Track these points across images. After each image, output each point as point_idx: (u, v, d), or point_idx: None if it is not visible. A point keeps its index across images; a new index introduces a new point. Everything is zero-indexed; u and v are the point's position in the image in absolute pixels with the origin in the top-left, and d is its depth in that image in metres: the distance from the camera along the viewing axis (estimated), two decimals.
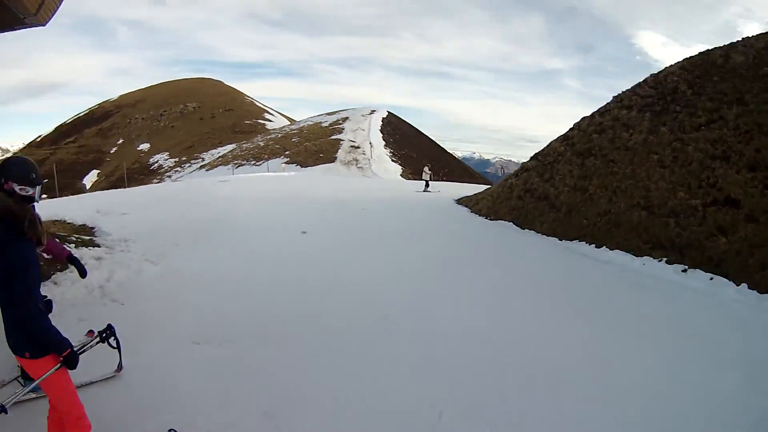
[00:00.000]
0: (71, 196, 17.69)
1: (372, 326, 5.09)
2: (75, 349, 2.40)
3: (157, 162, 61.59)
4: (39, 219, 2.31)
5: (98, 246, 7.20)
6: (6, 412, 2.26)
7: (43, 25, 5.82)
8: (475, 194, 15.79)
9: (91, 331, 3.52)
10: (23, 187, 2.41)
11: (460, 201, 15.69)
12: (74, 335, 3.17)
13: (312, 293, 6.07)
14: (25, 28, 5.77)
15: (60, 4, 5.87)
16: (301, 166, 39.16)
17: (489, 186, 17.33)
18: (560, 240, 10.15)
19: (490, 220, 12.46)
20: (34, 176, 2.48)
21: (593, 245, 9.36)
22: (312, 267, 7.35)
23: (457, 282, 6.94)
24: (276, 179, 23.43)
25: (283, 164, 38.51)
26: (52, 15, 5.81)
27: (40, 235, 2.28)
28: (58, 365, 2.33)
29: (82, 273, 3.59)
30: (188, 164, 56.61)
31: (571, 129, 13.24)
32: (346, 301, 5.79)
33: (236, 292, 5.97)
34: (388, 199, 16.32)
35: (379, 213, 12.96)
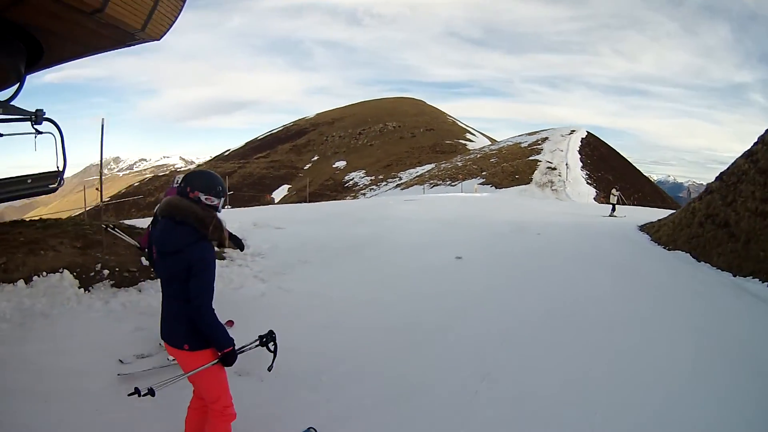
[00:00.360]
0: (248, 208, 21.21)
1: (462, 390, 4.45)
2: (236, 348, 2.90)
3: (352, 179, 68.56)
4: (223, 224, 2.90)
5: (221, 258, 8.07)
6: (153, 395, 2.69)
7: (157, 40, 6.63)
8: (658, 220, 15.68)
9: (230, 321, 5.34)
10: (209, 197, 2.88)
11: (643, 227, 15.77)
12: (133, 341, 4.84)
13: (419, 330, 5.79)
14: (139, 43, 6.64)
15: (175, 20, 6.62)
16: (496, 187, 42.10)
17: (674, 211, 17.46)
18: (734, 275, 9.44)
19: (668, 249, 12.30)
20: (220, 189, 2.94)
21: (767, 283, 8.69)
22: (436, 298, 7.09)
23: (606, 345, 5.60)
24: (462, 200, 25.44)
25: (477, 185, 41.83)
26: (166, 30, 6.58)
27: (224, 239, 2.88)
28: (216, 360, 2.84)
29: (241, 247, 5.37)
30: (384, 183, 62.03)
31: (755, 143, 12.54)
32: (443, 357, 5.13)
33: (331, 320, 6.07)
34: (568, 224, 16.82)
35: (552, 238, 13.08)
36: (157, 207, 3.01)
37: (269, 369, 3.16)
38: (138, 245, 6.28)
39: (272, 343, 3.16)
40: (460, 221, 15.87)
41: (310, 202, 53.84)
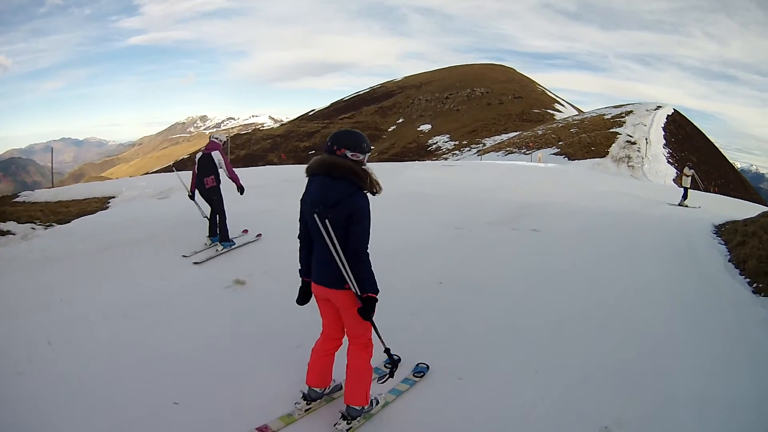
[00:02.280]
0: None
1: None
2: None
3: (435, 143, 68.78)
4: (375, 177, 3.22)
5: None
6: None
7: None
8: (744, 223, 10.77)
9: (245, 230, 8.03)
10: (354, 153, 3.17)
11: (721, 230, 10.69)
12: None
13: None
14: None
15: None
16: (569, 159, 40.08)
17: (766, 209, 13.51)
18: None
19: (759, 294, 6.52)
20: (365, 145, 3.22)
21: None
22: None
23: None
24: (511, 169, 22.88)
25: (540, 154, 39.49)
26: None
27: (378, 190, 3.20)
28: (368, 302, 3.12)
29: (240, 191, 7.48)
30: (468, 148, 61.74)
31: None
32: None
33: None
34: (609, 214, 12.41)
35: (552, 249, 8.28)
36: (307, 167, 3.30)
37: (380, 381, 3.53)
38: (188, 190, 7.60)
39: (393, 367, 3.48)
40: (466, 196, 13.27)
41: (390, 161, 55.81)
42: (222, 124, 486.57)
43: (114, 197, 11.77)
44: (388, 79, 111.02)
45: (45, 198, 11.75)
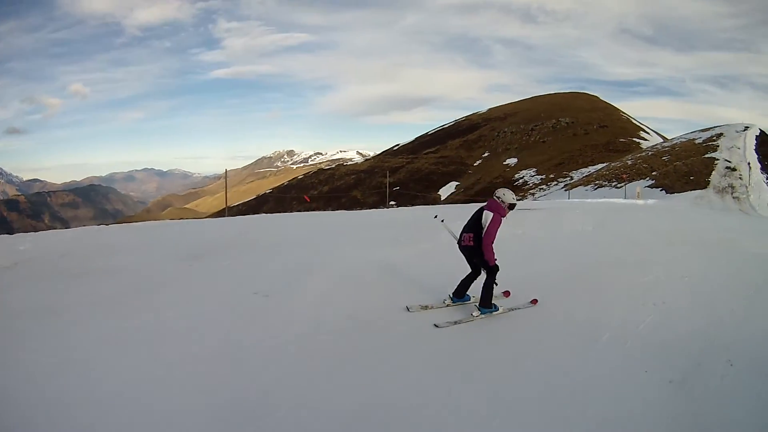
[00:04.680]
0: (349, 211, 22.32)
1: None
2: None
3: (522, 177, 67.74)
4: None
5: None
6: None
7: None
8: None
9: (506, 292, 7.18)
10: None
11: None
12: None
13: None
14: None
15: None
16: (667, 191, 37.76)
17: None
18: None
19: None
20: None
21: None
22: None
23: None
24: (614, 211, 18.54)
25: (639, 188, 36.04)
26: None
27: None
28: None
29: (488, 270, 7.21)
30: (555, 182, 60.81)
31: None
32: None
33: None
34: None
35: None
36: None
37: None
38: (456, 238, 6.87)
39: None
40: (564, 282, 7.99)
41: (475, 201, 55.14)
42: (309, 159, 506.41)
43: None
44: (473, 112, 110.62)
45: None
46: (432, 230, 9.30)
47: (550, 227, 13.47)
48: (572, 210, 18.05)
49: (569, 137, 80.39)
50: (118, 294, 6.76)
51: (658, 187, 39.44)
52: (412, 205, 57.70)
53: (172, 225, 16.26)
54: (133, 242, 11.22)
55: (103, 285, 7.19)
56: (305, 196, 56.74)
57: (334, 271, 7.88)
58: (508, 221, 6.68)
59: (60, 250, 9.72)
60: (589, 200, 29.75)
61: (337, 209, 52.56)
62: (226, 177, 26.30)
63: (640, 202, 27.42)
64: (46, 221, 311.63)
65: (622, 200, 29.34)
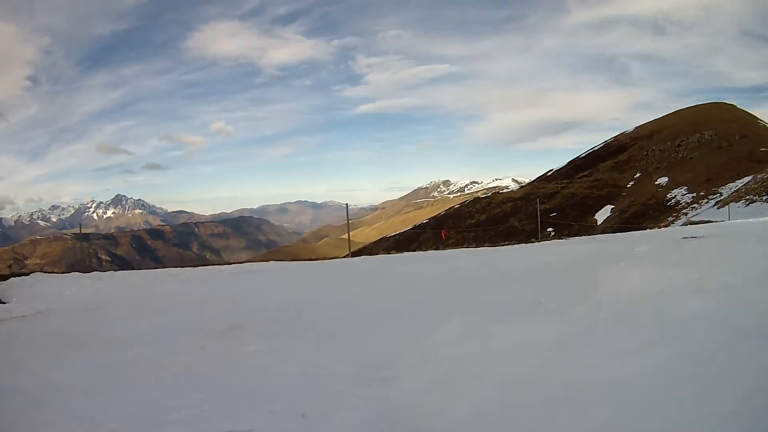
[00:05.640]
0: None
1: None
2: None
3: (674, 197, 66.48)
4: None
5: None
6: None
7: None
8: None
9: None
10: None
11: None
12: None
13: None
14: None
15: None
16: None
17: None
18: None
19: None
20: None
21: None
22: None
23: None
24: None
25: None
26: None
27: None
28: None
29: None
30: (705, 200, 59.12)
31: None
32: None
33: None
34: None
35: None
36: None
37: None
38: None
39: None
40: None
41: (630, 225, 52.38)
42: (465, 189, 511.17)
43: None
44: (620, 132, 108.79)
45: None
46: (594, 281, 7.18)
47: None
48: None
49: (714, 150, 78.53)
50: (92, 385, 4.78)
51: None
52: (569, 232, 58.62)
53: (271, 270, 14.92)
54: (190, 294, 10.45)
55: (84, 366, 5.42)
56: (443, 232, 53.62)
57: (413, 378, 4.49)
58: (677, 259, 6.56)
59: (96, 301, 9.47)
60: (755, 219, 24.34)
61: (494, 239, 52.83)
62: (347, 212, 25.89)
63: None
64: (195, 250, 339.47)
65: None
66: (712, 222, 31.79)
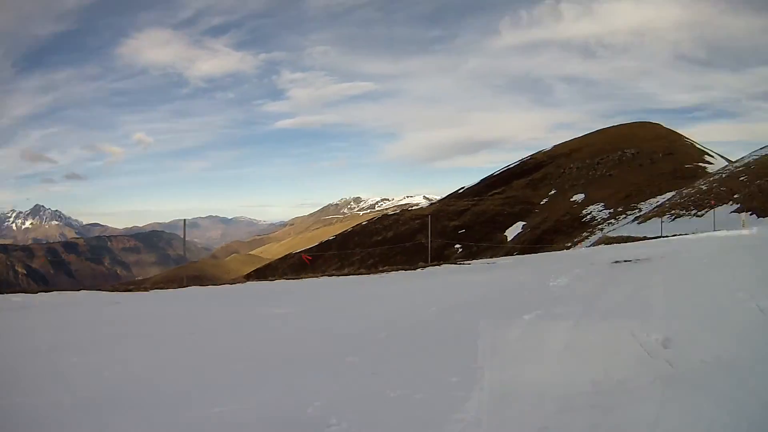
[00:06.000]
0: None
1: None
2: None
3: (590, 213, 65.30)
4: None
5: None
6: None
7: None
8: None
9: None
10: None
11: None
12: None
13: None
14: None
15: None
16: (757, 215, 34.27)
17: None
18: None
19: None
20: None
21: None
22: None
23: None
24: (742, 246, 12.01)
25: (743, 216, 30.84)
26: None
27: None
28: None
29: None
30: (623, 216, 58.53)
31: None
32: None
33: None
34: None
35: None
36: None
37: None
38: None
39: None
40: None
41: (542, 241, 53.81)
42: (376, 206, 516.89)
43: None
44: (538, 151, 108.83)
45: None
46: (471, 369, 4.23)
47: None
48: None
49: (635, 168, 78.03)
50: None
51: (747, 211, 35.70)
52: (478, 250, 56.65)
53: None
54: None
55: None
56: (303, 256, 45.95)
57: None
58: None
59: None
60: (687, 236, 23.31)
61: (401, 255, 52.33)
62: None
63: (746, 231, 20.63)
64: (107, 264, 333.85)
65: (735, 232, 20.61)
66: (632, 238, 30.02)
